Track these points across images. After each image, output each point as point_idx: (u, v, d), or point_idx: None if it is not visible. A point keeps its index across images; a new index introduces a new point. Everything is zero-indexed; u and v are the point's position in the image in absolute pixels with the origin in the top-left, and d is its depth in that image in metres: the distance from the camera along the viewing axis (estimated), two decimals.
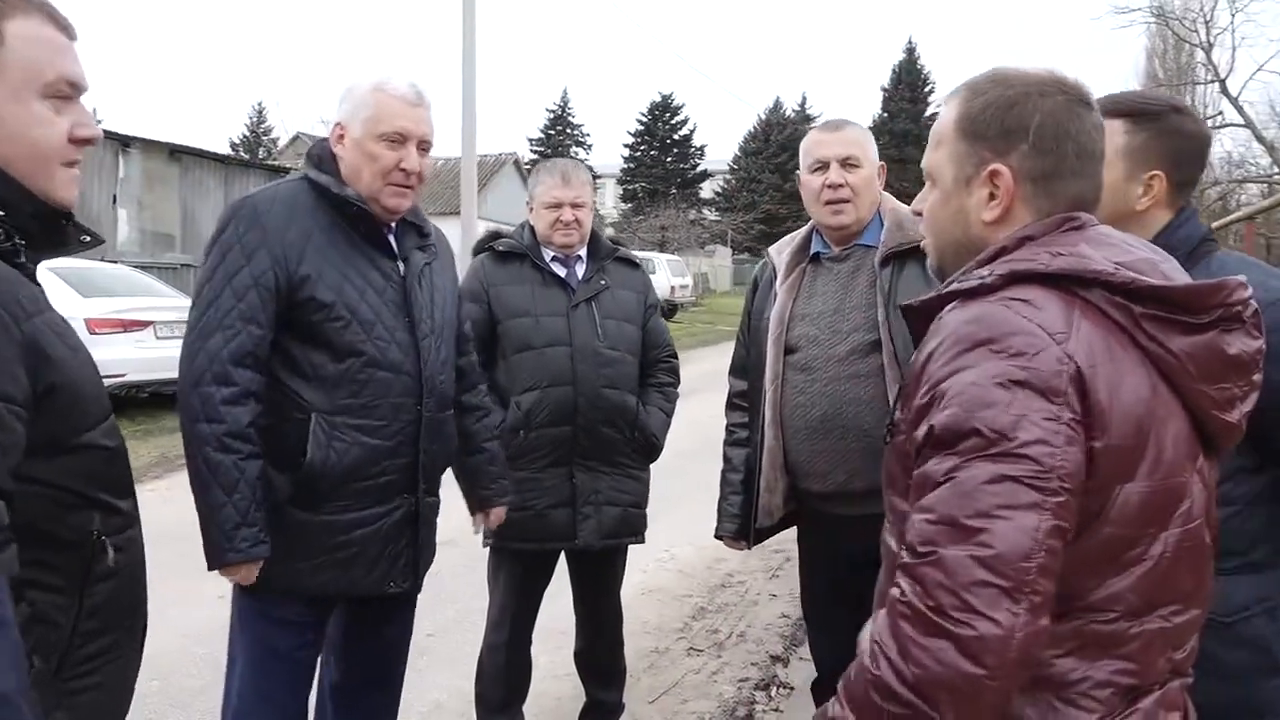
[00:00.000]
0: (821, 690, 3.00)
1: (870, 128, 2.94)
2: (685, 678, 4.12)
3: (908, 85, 55.60)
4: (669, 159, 56.13)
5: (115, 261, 12.56)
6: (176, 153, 17.44)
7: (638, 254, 3.43)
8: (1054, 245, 1.27)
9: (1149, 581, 1.21)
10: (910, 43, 68.60)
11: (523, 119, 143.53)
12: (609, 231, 3.37)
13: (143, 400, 9.97)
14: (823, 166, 2.71)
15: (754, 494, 2.81)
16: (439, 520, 2.56)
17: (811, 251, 2.80)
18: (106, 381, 1.52)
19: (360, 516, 2.34)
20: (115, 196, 16.05)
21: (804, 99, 59.12)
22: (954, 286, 1.30)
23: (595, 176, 3.33)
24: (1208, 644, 1.35)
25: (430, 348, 2.41)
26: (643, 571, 5.12)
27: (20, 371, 1.24)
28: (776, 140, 53.52)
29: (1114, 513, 1.18)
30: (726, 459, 2.98)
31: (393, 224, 2.43)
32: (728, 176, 55.35)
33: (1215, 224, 14.53)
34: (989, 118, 1.34)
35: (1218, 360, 1.23)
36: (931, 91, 56.27)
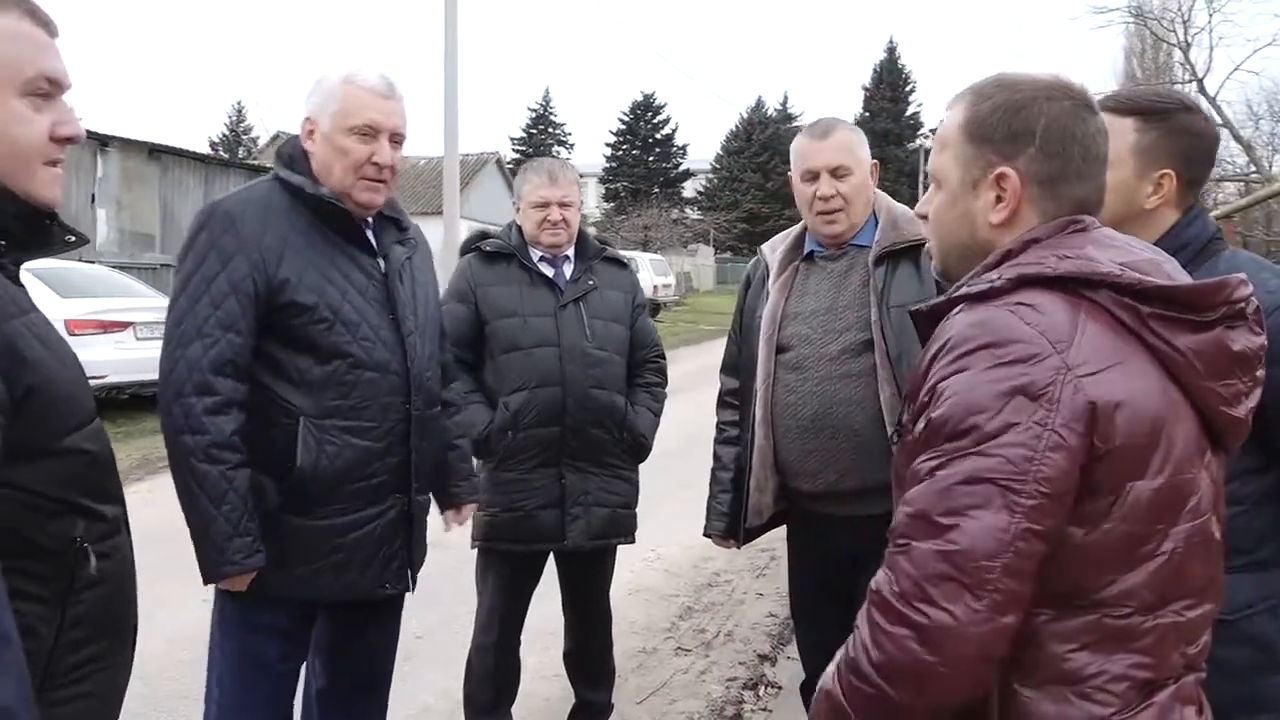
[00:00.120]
0: (810, 691, 2.99)
1: None
2: (673, 678, 4.11)
3: (889, 84, 55.86)
4: (651, 158, 56.15)
5: (94, 262, 12.45)
6: (155, 152, 17.32)
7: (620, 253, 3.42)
8: (1060, 248, 1.29)
9: (1161, 577, 1.23)
10: (891, 42, 69.05)
11: (504, 118, 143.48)
12: (591, 231, 3.35)
13: (123, 402, 9.89)
14: (813, 176, 2.68)
15: (744, 493, 2.80)
16: (426, 521, 2.53)
17: (805, 250, 2.79)
18: None
19: (355, 519, 2.31)
20: (94, 196, 15.92)
21: (785, 98, 59.43)
22: (963, 290, 1.32)
23: (579, 176, 3.31)
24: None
25: (415, 345, 2.38)
26: (630, 571, 5.11)
27: None
28: (758, 139, 53.67)
29: (1126, 510, 1.20)
30: (717, 457, 2.97)
31: (370, 219, 2.39)
32: (710, 176, 55.43)
33: None
34: (996, 121, 1.36)
35: (1223, 357, 1.26)
36: (912, 91, 56.57)
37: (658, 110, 56.40)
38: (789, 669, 4.08)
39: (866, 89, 56.32)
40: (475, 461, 3.12)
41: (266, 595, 2.24)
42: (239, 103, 56.23)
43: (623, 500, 3.17)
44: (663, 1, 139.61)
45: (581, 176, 3.31)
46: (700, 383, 10.13)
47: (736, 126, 55.80)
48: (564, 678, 3.48)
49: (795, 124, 55.03)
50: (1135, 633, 1.22)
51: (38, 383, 1.28)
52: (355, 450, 2.27)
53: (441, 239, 15.04)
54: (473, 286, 3.11)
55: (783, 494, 2.75)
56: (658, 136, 56.43)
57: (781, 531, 2.95)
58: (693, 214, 53.91)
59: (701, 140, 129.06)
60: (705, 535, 2.99)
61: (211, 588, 2.28)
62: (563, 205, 3.10)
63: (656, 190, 52.03)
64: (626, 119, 56.52)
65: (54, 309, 8.35)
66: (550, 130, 57.11)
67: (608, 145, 56.63)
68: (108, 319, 9.34)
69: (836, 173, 2.66)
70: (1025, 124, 1.34)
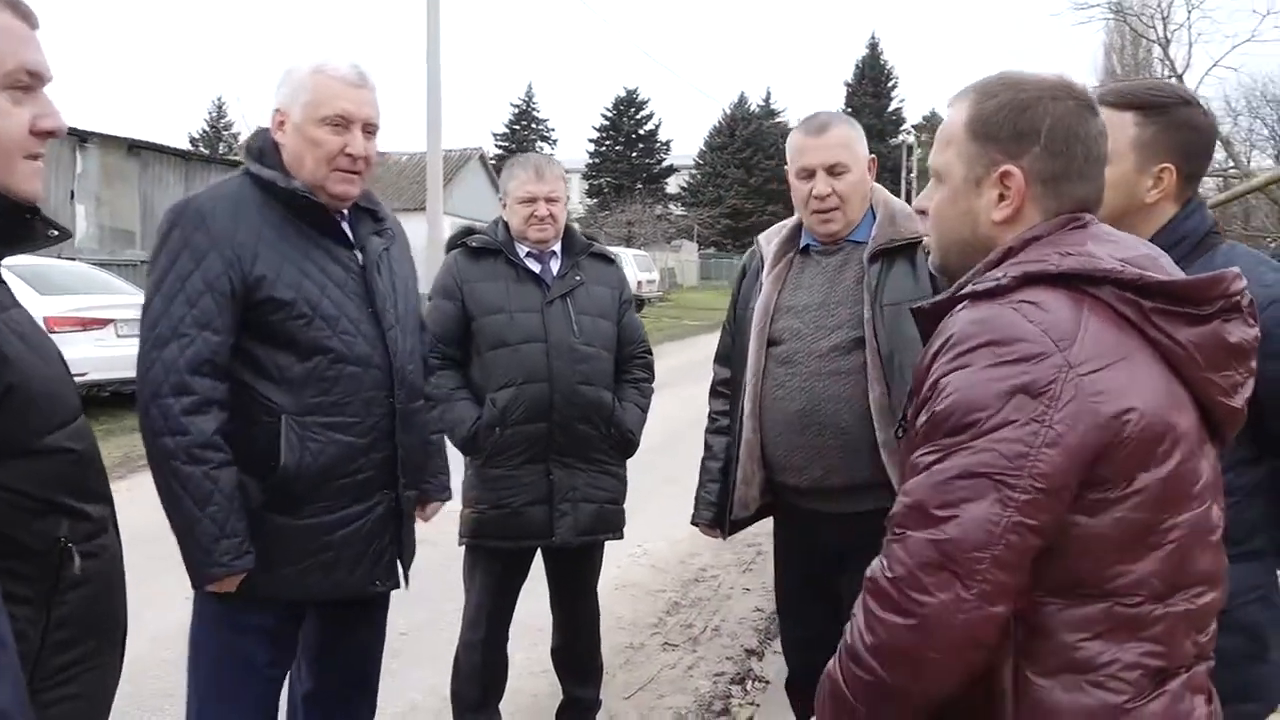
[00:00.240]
0: (795, 688, 2.99)
1: None
2: (661, 673, 4.11)
3: (871, 80, 56.07)
4: (634, 154, 56.14)
5: (74, 259, 12.34)
6: (135, 148, 17.20)
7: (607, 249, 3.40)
8: (1062, 245, 1.32)
9: (1170, 564, 1.25)
10: (873, 38, 69.10)
11: (487, 114, 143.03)
12: (576, 227, 3.34)
13: (105, 399, 9.80)
14: (809, 174, 2.64)
15: (730, 483, 2.79)
16: (415, 516, 2.52)
17: (801, 243, 2.77)
18: None
19: (342, 516, 2.28)
20: (73, 192, 15.80)
21: (768, 94, 59.68)
22: (968, 289, 1.34)
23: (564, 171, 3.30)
24: None
25: (397, 338, 2.34)
26: (616, 567, 5.11)
27: None
28: (741, 135, 53.75)
29: (1134, 499, 1.22)
30: (707, 446, 2.96)
31: (345, 211, 2.34)
32: (693, 171, 55.47)
33: None
34: (1002, 119, 1.37)
35: (1221, 349, 1.29)
36: (895, 86, 56.80)
37: (641, 106, 56.39)
38: (776, 663, 4.08)
39: (849, 84, 56.57)
40: (463, 459, 3.12)
41: (254, 596, 2.21)
42: (219, 98, 56.10)
43: (610, 496, 3.16)
44: None
45: (565, 172, 3.29)
46: (685, 378, 10.16)
47: (720, 122, 55.89)
48: (552, 674, 3.47)
49: (778, 120, 55.29)
50: (1147, 621, 1.24)
51: (18, 381, 1.27)
52: (339, 446, 2.24)
53: (425, 235, 14.98)
54: (459, 283, 3.09)
55: (769, 487, 2.74)
56: (641, 132, 56.41)
57: (768, 526, 2.95)
58: (676, 210, 53.91)
59: (685, 136, 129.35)
60: (693, 524, 2.98)
61: None
62: (549, 200, 3.08)
63: (640, 186, 52.03)
64: (610, 115, 56.49)
65: (34, 306, 8.20)
66: (534, 126, 56.97)
67: (591, 141, 56.62)
68: (88, 316, 9.26)
69: (833, 170, 2.62)
70: (1031, 123, 1.36)
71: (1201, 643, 1.31)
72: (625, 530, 3.26)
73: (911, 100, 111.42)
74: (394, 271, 2.41)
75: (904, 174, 44.99)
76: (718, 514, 2.88)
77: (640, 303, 25.78)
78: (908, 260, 2.58)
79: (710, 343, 3.09)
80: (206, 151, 40.08)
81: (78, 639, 1.35)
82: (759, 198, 51.40)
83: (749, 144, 53.25)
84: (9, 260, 1.45)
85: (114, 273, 12.12)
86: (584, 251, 3.21)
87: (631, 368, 3.26)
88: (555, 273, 3.13)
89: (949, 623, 1.19)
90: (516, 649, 3.38)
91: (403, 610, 3.49)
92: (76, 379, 1.51)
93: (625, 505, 3.25)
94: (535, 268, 3.12)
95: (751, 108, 56.24)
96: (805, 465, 2.63)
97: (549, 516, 3.04)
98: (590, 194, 54.43)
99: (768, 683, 4.03)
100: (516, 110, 57.27)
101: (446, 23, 19.26)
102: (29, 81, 1.37)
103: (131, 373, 2.22)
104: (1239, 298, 1.29)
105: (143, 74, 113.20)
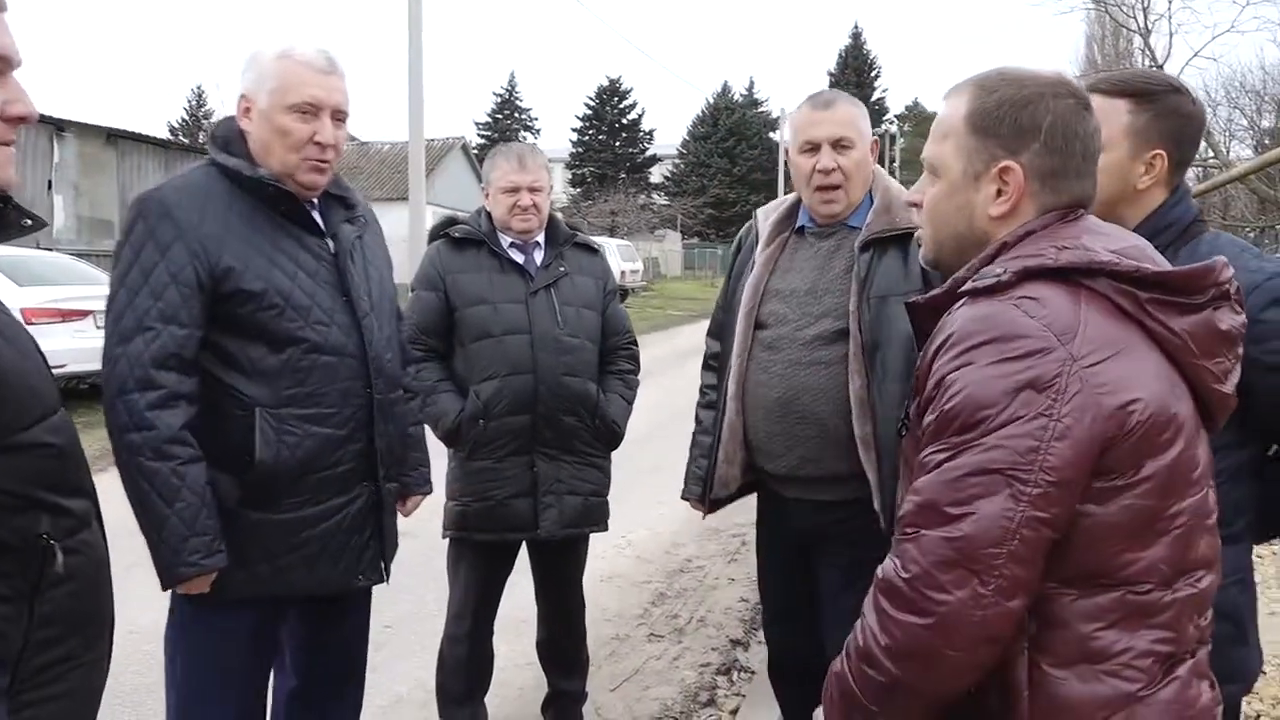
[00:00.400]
0: (778, 673, 3.00)
1: None
2: (646, 664, 4.11)
3: (854, 70, 56.14)
4: (618, 143, 56.00)
5: (51, 249, 12.22)
6: (114, 137, 17.04)
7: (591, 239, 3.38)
8: (1057, 238, 1.33)
9: (1176, 550, 1.27)
10: (856, 28, 69.25)
11: (470, 103, 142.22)
12: (559, 216, 3.31)
13: (83, 391, 9.70)
14: (813, 148, 2.60)
15: (712, 462, 2.78)
16: (396, 509, 2.50)
17: (797, 223, 2.73)
18: None
19: (322, 509, 2.24)
20: (51, 182, 15.63)
21: (751, 83, 59.43)
22: (968, 285, 1.35)
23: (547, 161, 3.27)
24: None
25: (372, 326, 2.29)
26: (601, 558, 5.10)
27: None
28: (725, 124, 53.71)
29: (1143, 486, 1.24)
30: (698, 420, 2.94)
31: (315, 199, 2.29)
32: (677, 161, 55.40)
33: None
34: (1002, 115, 1.38)
35: (1213, 337, 1.31)
36: (877, 76, 56.91)
37: (624, 95, 56.22)
38: (761, 654, 4.08)
39: (832, 74, 56.62)
40: (445, 450, 3.10)
41: (236, 596, 2.16)
42: (199, 87, 55.36)
43: (595, 488, 3.15)
44: None
45: (548, 162, 3.27)
46: (668, 368, 10.16)
47: (703, 112, 55.83)
48: (537, 666, 3.47)
49: (761, 109, 55.26)
50: (1157, 607, 1.26)
51: None
52: (316, 439, 2.20)
53: (407, 225, 14.90)
54: (442, 274, 3.06)
55: (750, 468, 2.74)
56: (624, 121, 56.28)
57: (753, 516, 2.95)
58: (660, 199, 53.86)
59: (668, 125, 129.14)
60: (683, 498, 2.96)
61: None
62: (533, 190, 3.05)
63: (623, 176, 51.94)
64: (593, 104, 56.30)
65: (11, 297, 8.17)
66: (516, 115, 56.78)
67: (574, 130, 56.47)
68: (67, 307, 9.14)
69: (839, 145, 2.58)
70: (1032, 119, 1.37)
71: (1202, 626, 1.33)
72: (610, 522, 3.26)
73: (894, 89, 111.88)
74: (368, 259, 2.36)
75: (887, 162, 45.09)
76: (707, 489, 2.86)
77: (624, 293, 25.77)
78: (900, 251, 2.54)
79: (694, 333, 3.09)
80: (186, 140, 39.73)
81: (63, 637, 1.32)
82: (742, 187, 51.41)
83: (732, 133, 53.22)
84: None
85: (92, 263, 11.98)
86: (568, 242, 3.19)
87: (616, 359, 3.25)
88: (539, 263, 3.11)
89: (967, 620, 1.19)
90: (501, 641, 3.37)
91: (386, 603, 3.48)
92: (55, 371, 1.48)
93: (609, 496, 3.24)
94: (519, 258, 3.09)
95: (735, 97, 56.20)
96: (783, 452, 2.63)
97: (533, 509, 3.02)
98: (573, 183, 54.27)
99: (753, 673, 4.04)
100: (499, 99, 57.08)
101: (428, 11, 19.13)
102: None
103: None
104: (1228, 286, 1.32)
105: (121, 62, 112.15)
